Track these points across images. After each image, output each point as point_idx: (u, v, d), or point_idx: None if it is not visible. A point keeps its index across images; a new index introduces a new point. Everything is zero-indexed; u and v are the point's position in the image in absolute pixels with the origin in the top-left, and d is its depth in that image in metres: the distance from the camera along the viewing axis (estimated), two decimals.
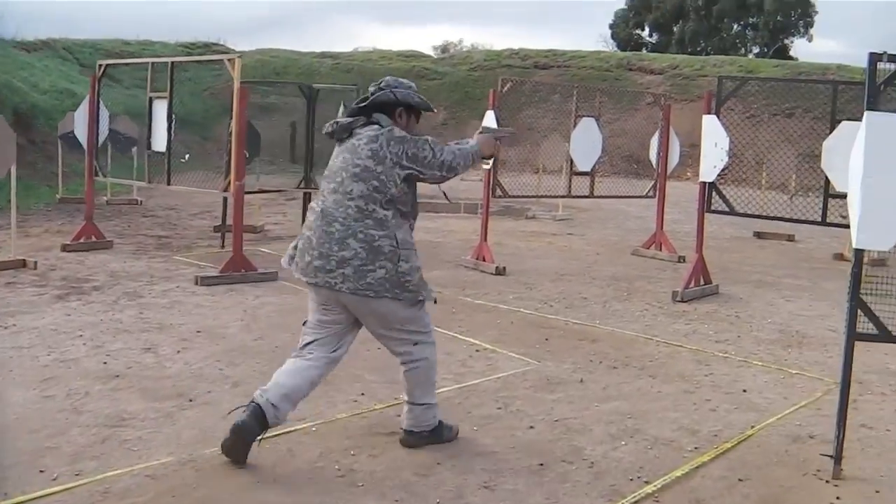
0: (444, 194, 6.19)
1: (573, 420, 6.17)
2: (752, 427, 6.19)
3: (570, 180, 14.03)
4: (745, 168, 17.21)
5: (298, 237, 5.27)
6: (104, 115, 13.41)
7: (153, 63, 12.50)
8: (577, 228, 18.45)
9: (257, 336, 8.17)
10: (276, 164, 19.02)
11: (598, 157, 13.94)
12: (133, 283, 10.47)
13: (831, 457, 5.38)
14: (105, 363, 7.14)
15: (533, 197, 14.71)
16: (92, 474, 4.92)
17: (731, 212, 10.99)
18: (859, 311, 5.29)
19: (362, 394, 6.58)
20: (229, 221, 12.11)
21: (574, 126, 13.64)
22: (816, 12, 62.29)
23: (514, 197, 13.94)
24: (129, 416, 5.91)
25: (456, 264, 12.87)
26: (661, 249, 14.45)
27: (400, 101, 5.30)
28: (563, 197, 14.57)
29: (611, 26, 66.77)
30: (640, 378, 7.34)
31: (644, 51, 56.90)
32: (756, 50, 63.09)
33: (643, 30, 66.50)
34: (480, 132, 5.65)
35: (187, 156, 14.01)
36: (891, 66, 5.30)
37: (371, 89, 5.32)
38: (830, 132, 10.08)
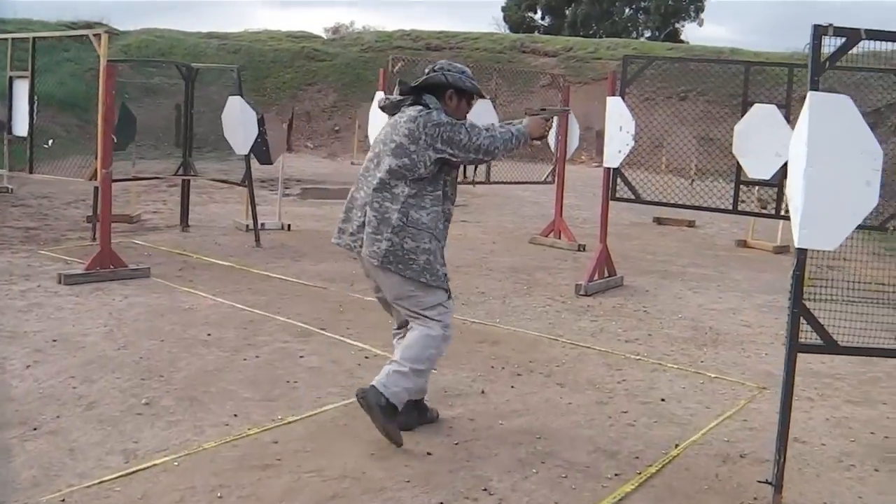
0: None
1: (476, 443, 5.43)
2: (676, 445, 5.52)
3: (465, 166, 13.27)
4: (643, 152, 16.67)
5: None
6: None
7: (12, 39, 11.41)
8: (472, 215, 17.74)
9: (121, 344, 7.27)
10: (160, 148, 17.94)
11: None
12: None
13: (770, 483, 4.71)
14: None
15: None
16: None
17: (638, 199, 10.38)
18: (802, 319, 4.63)
19: (234, 415, 5.73)
20: None
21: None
22: None
23: None
24: None
25: (344, 256, 12.00)
26: (560, 237, 13.82)
27: (450, 83, 5.48)
28: (466, 184, 13.80)
29: (503, 9, 66.34)
30: (548, 386, 6.64)
31: (536, 34, 56.48)
32: (647, 34, 63.25)
33: (535, 13, 66.21)
34: (530, 113, 5.77)
35: (51, 141, 12.95)
36: (836, 42, 4.61)
37: (426, 70, 5.55)
38: (742, 115, 9.49)
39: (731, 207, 10.20)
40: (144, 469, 4.81)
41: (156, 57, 34.85)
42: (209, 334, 7.62)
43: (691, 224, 16.87)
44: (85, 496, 4.45)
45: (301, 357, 7.10)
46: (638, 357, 7.53)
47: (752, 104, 9.52)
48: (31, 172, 10.99)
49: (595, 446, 5.45)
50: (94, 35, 9.83)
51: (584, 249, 13.34)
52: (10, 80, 11.22)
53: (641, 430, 5.79)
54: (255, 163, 13.22)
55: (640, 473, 5.06)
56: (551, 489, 4.80)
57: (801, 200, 4.48)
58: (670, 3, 62.62)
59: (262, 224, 13.75)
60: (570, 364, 7.25)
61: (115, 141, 10.22)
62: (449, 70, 5.51)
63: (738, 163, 9.63)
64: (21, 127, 11.05)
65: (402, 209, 5.24)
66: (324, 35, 46.35)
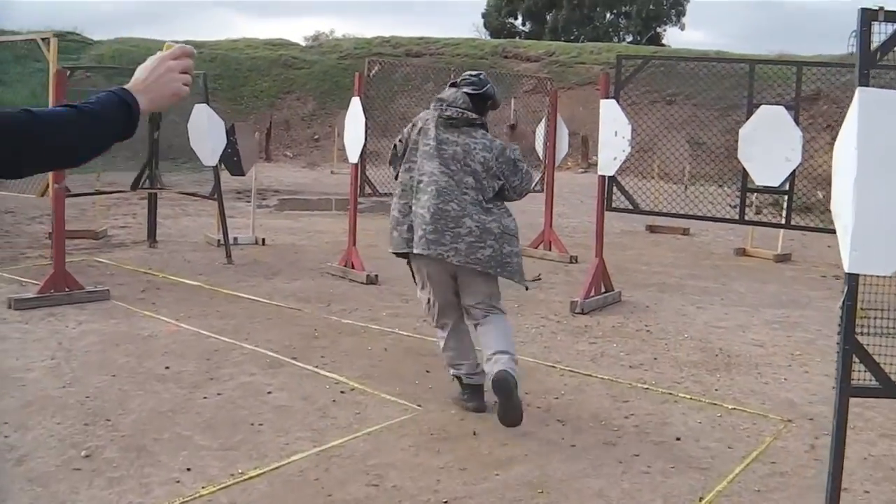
0: None
1: (469, 501, 4.66)
2: (701, 499, 4.76)
3: None
4: (633, 158, 15.93)
5: (399, 219, 6.05)
6: None
7: None
8: None
9: (67, 381, 6.47)
10: (135, 159, 17.11)
11: None
12: None
13: None
14: None
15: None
16: None
17: (636, 210, 9.65)
18: (854, 356, 3.89)
19: (187, 469, 4.94)
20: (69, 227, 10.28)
21: None
22: (688, 1, 62.37)
23: (385, 195, 12.39)
24: None
25: (321, 272, 11.28)
26: (550, 249, 13.09)
27: (493, 98, 6.01)
28: None
29: (483, 15, 65.75)
30: (547, 424, 5.88)
31: (518, 39, 55.87)
32: (629, 38, 62.67)
33: (516, 18, 65.61)
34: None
35: None
36: (888, 29, 3.87)
37: (471, 79, 6.00)
38: (747, 118, 8.76)
39: (735, 216, 9.49)
40: None
41: (130, 66, 34.04)
42: (167, 367, 6.84)
43: (686, 232, 16.13)
44: None
45: (268, 393, 6.33)
46: (645, 386, 6.77)
47: (757, 106, 8.79)
48: None
49: (606, 502, 4.69)
50: (43, 40, 9.09)
51: (576, 261, 12.62)
52: None
53: (658, 478, 5.03)
54: (228, 174, 12.46)
55: None
56: None
57: (852, 217, 3.74)
58: (651, 7, 62.25)
59: (235, 239, 12.98)
60: (570, 396, 6.50)
61: None
62: (489, 83, 6.02)
63: (743, 169, 8.89)
64: None
65: (496, 219, 5.79)
66: (303, 43, 45.48)
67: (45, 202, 15.49)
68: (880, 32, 3.85)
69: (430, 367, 7.06)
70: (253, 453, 5.17)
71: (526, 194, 6.13)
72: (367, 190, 11.14)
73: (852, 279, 3.82)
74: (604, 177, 9.53)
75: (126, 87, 2.27)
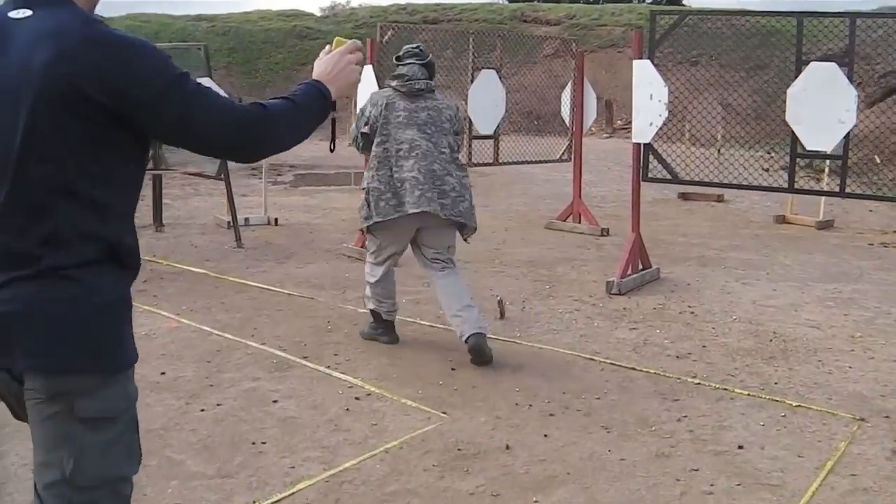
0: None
1: None
2: None
3: (470, 145, 11.75)
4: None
5: (382, 188, 6.36)
6: None
7: None
8: (479, 198, 16.03)
9: None
10: None
11: (501, 117, 11.71)
12: None
13: None
14: None
15: None
16: None
17: (675, 179, 8.91)
18: None
19: None
20: None
21: (471, 81, 11.38)
22: None
23: None
24: None
25: (336, 254, 10.58)
26: (580, 221, 12.33)
27: (433, 64, 6.76)
28: (466, 166, 12.29)
29: None
30: (590, 432, 5.17)
31: (537, 2, 54.84)
32: (649, 0, 61.50)
33: None
34: None
35: None
36: None
37: (415, 50, 6.67)
38: (796, 77, 7.98)
39: (770, 182, 8.75)
40: None
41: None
42: (163, 373, 6.15)
43: (720, 198, 15.32)
44: None
45: (274, 402, 5.63)
46: (696, 380, 6.04)
47: (806, 64, 8.01)
48: None
49: None
50: None
51: (607, 234, 11.86)
52: None
53: (723, 499, 4.31)
54: None
55: None
56: None
57: None
58: None
59: (246, 219, 12.31)
60: (614, 395, 5.77)
61: None
62: (429, 52, 6.78)
63: (792, 133, 8.12)
64: None
65: (465, 175, 6.63)
66: (317, 13, 44.65)
67: None
68: None
69: (455, 364, 6.35)
70: (253, 481, 4.47)
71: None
72: None
73: None
74: (639, 145, 8.78)
75: (315, 78, 2.65)
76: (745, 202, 15.25)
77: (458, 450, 4.87)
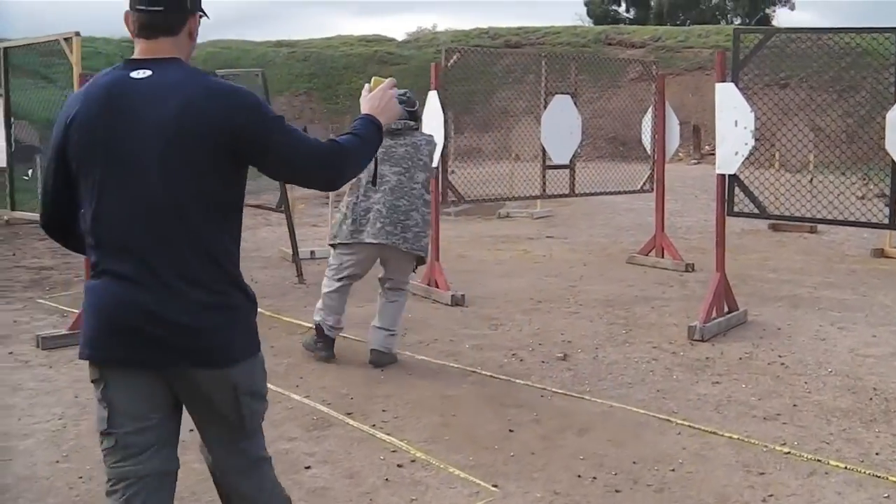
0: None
1: None
2: None
3: (545, 175, 11.07)
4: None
5: (347, 213, 6.84)
6: None
7: None
8: (559, 229, 15.58)
9: (64, 453, 5.28)
10: None
11: (577, 146, 11.02)
12: None
13: None
14: None
15: (494, 200, 11.67)
16: None
17: (763, 214, 8.17)
18: None
19: None
20: None
21: (544, 106, 10.73)
22: None
23: (472, 202, 11.06)
24: None
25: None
26: (663, 256, 11.59)
27: (420, 116, 7.44)
28: (535, 198, 11.64)
29: (586, 3, 64.26)
30: None
31: (623, 25, 54.18)
32: (738, 21, 60.44)
33: (619, 5, 64.15)
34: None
35: (31, 172, 11.18)
36: None
37: (401, 98, 6.58)
38: None
39: (882, 217, 7.96)
40: None
41: (221, 69, 33.34)
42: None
43: (813, 229, 14.43)
44: None
45: (307, 468, 5.04)
46: (786, 449, 5.29)
47: None
48: (13, 209, 9.15)
49: None
50: (65, 39, 7.97)
51: (692, 269, 11.12)
52: None
53: None
54: None
55: None
56: None
57: None
58: None
59: (312, 252, 11.85)
60: (690, 465, 5.06)
61: None
62: (416, 100, 7.22)
63: (892, 162, 7.37)
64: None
65: (429, 211, 7.09)
66: (398, 38, 44.38)
67: None
68: None
69: (514, 425, 5.70)
70: None
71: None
72: (451, 196, 9.79)
73: None
74: (724, 176, 8.06)
75: (367, 113, 3.20)
76: (840, 233, 14.35)
77: None
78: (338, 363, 7.17)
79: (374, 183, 6.42)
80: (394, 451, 5.26)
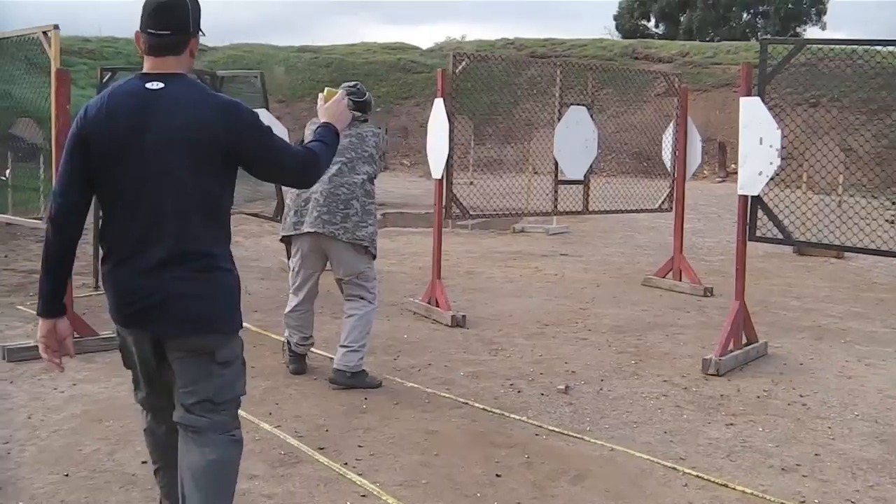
0: None
1: None
2: None
3: (556, 191, 10.45)
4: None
5: (290, 205, 6.75)
6: None
7: None
8: (574, 246, 14.98)
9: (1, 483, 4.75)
10: None
11: (592, 161, 10.41)
12: None
13: None
14: None
15: (501, 216, 11.02)
16: None
17: (788, 241, 7.55)
18: None
19: None
20: None
21: (558, 118, 10.13)
22: None
23: (477, 217, 10.48)
24: None
25: (401, 309, 9.45)
26: (680, 279, 10.98)
27: (370, 102, 7.11)
28: (545, 214, 11.03)
29: (615, 17, 63.74)
30: None
31: (650, 40, 53.58)
32: (768, 36, 59.72)
33: (649, 20, 63.43)
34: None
35: (8, 172, 10.72)
36: None
37: (352, 88, 6.85)
38: None
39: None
40: None
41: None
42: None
43: (840, 255, 13.79)
44: None
45: None
46: None
47: None
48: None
49: None
50: (44, 32, 7.46)
51: (710, 294, 10.51)
52: None
53: None
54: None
55: None
56: None
57: None
58: (790, 6, 59.49)
59: None
60: None
61: None
62: (366, 91, 7.15)
63: None
64: None
65: (374, 202, 6.77)
66: (424, 47, 43.89)
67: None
68: None
69: (503, 468, 5.11)
70: None
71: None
72: (455, 210, 9.21)
73: None
74: (746, 197, 7.46)
75: (325, 121, 3.97)
76: (868, 259, 13.64)
77: None
78: (319, 387, 6.62)
79: None
80: (363, 496, 4.68)
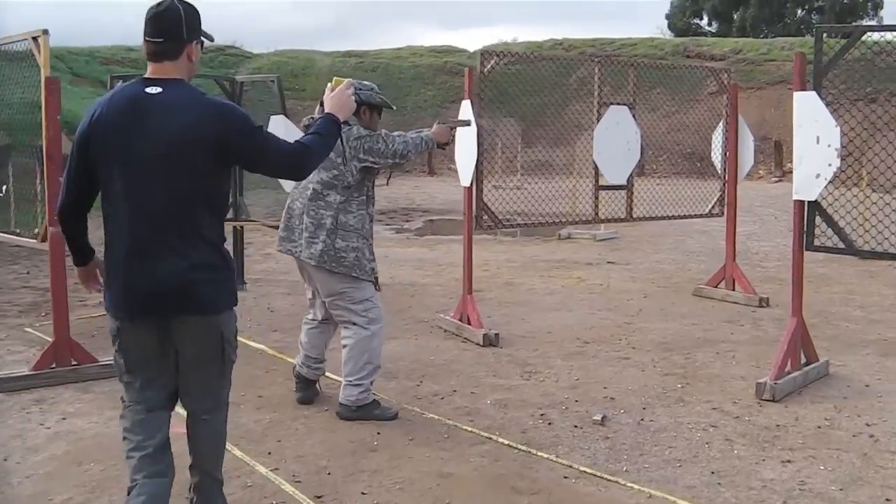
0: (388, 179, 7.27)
1: None
2: None
3: (597, 197, 9.70)
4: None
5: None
6: None
7: None
8: (622, 253, 14.26)
9: None
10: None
11: (635, 163, 9.67)
12: None
13: None
14: None
15: (536, 225, 10.26)
16: None
17: (851, 250, 6.83)
18: None
19: None
20: None
21: (597, 119, 9.42)
22: None
23: (509, 226, 9.78)
24: None
25: (431, 326, 8.82)
26: (734, 288, 10.24)
27: (363, 101, 5.94)
28: (586, 222, 10.33)
29: (667, 16, 63.02)
30: None
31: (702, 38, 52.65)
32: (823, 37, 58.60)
33: (701, 18, 62.62)
34: (438, 122, 6.44)
35: (4, 188, 10.22)
36: None
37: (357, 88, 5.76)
38: None
39: None
40: None
41: (286, 78, 32.63)
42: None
43: None
44: None
45: None
46: None
47: None
48: None
49: None
50: (34, 37, 6.91)
51: (766, 305, 9.78)
52: None
53: None
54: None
55: None
56: None
57: None
58: (845, 1, 58.28)
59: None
60: None
61: None
62: (360, 89, 5.93)
63: None
64: None
65: (333, 215, 5.89)
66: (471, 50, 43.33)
67: None
68: None
69: None
70: None
71: (405, 151, 6.04)
72: (486, 220, 8.55)
73: None
74: (801, 202, 6.73)
75: (327, 111, 4.08)
76: None
77: None
78: (328, 420, 6.00)
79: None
80: None
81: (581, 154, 15.05)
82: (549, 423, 5.93)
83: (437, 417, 6.05)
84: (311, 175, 5.64)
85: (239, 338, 8.08)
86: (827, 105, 6.54)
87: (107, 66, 30.54)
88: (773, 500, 4.70)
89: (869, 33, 6.97)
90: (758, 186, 23.72)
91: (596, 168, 9.43)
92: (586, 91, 23.04)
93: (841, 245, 6.84)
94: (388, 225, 19.10)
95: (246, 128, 3.69)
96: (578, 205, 15.80)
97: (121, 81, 9.58)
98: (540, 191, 10.32)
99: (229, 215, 10.49)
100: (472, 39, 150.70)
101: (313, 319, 6.37)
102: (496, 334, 8.13)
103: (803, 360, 6.93)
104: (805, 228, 6.74)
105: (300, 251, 5.92)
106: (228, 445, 4.70)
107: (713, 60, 35.17)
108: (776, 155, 29.04)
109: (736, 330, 8.71)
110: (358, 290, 5.99)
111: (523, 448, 5.44)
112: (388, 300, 9.84)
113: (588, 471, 5.06)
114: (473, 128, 8.11)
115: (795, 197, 6.73)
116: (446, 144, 6.47)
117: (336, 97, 4.14)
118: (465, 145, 8.37)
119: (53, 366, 6.90)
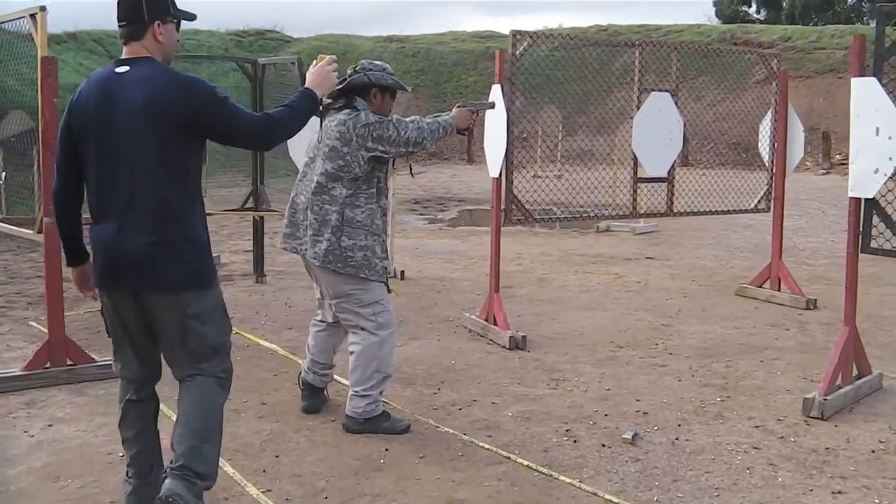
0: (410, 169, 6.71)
1: None
2: None
3: (636, 190, 9.11)
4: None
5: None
6: None
7: None
8: (662, 247, 13.66)
9: None
10: (229, 173, 14.37)
11: (677, 154, 9.07)
12: None
13: None
14: None
15: (568, 219, 9.63)
16: None
17: None
18: None
19: None
20: None
21: (637, 107, 8.85)
22: None
23: (540, 220, 9.21)
24: None
25: (456, 326, 8.31)
26: (779, 289, 9.63)
27: (373, 82, 5.46)
28: (622, 217, 9.76)
29: (715, 3, 61.83)
30: None
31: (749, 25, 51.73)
32: (874, 23, 57.43)
33: (750, 6, 61.53)
34: (458, 106, 5.84)
35: (3, 175, 9.85)
36: None
37: (348, 72, 5.48)
38: None
39: None
40: None
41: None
42: None
43: None
44: None
45: None
46: None
47: None
48: None
49: None
50: (31, 15, 6.45)
51: (814, 307, 9.16)
52: None
53: None
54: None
55: None
56: None
57: None
58: None
59: (402, 273, 10.29)
60: None
61: None
62: (371, 70, 5.51)
63: None
64: None
65: (339, 210, 5.34)
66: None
67: None
68: None
69: None
70: None
71: (419, 138, 5.49)
72: (515, 213, 8.01)
73: None
74: (858, 200, 6.13)
75: (307, 86, 4.10)
76: None
77: None
78: (334, 432, 5.51)
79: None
80: None
81: (621, 143, 14.53)
82: (575, 441, 5.39)
83: (452, 431, 5.53)
84: (316, 166, 5.46)
85: (251, 336, 7.72)
86: (889, 93, 5.92)
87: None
88: None
89: None
90: (805, 178, 23.00)
91: (635, 159, 8.85)
92: (630, 79, 22.32)
93: None
94: (421, 215, 18.61)
95: (211, 100, 3.79)
96: (618, 196, 15.25)
97: None
98: (580, 180, 9.77)
99: (249, 204, 10.03)
100: (516, 25, 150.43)
101: (322, 321, 5.88)
102: (523, 337, 7.61)
103: (855, 371, 6.34)
104: (861, 228, 6.14)
105: (305, 249, 5.45)
106: (221, 461, 4.24)
107: (761, 48, 34.35)
108: (824, 146, 28.26)
109: (781, 335, 8.13)
110: (366, 292, 5.46)
111: (544, 471, 4.91)
112: (414, 296, 9.40)
113: (614, 500, 4.52)
114: (503, 115, 7.59)
115: (851, 194, 6.11)
116: (467, 130, 5.86)
117: (317, 72, 4.20)
118: (495, 133, 7.84)
119: (47, 366, 6.47)
